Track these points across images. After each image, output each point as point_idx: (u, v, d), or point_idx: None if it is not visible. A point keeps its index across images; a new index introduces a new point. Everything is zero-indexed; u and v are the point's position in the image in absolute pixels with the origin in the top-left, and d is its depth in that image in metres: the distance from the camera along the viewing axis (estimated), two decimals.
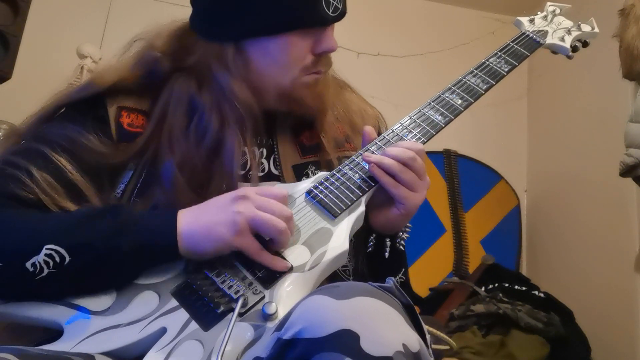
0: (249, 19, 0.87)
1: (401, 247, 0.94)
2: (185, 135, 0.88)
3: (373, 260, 0.93)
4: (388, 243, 0.92)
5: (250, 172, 0.91)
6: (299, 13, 0.87)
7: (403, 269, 0.98)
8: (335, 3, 0.89)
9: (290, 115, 0.97)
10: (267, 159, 0.96)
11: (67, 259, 0.74)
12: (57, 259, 0.73)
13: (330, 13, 0.88)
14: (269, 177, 0.94)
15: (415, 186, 0.85)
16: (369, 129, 0.92)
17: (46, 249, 0.73)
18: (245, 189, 0.80)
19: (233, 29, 0.89)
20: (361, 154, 0.89)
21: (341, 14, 0.91)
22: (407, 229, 0.94)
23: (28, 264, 0.73)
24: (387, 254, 0.92)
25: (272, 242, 0.78)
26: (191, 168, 0.86)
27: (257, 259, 0.77)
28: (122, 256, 0.75)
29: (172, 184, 0.85)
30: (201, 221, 0.77)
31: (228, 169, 0.86)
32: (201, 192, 0.82)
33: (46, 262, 0.73)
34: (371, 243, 0.92)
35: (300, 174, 0.95)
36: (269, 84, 0.92)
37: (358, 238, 0.91)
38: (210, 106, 0.89)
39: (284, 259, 0.78)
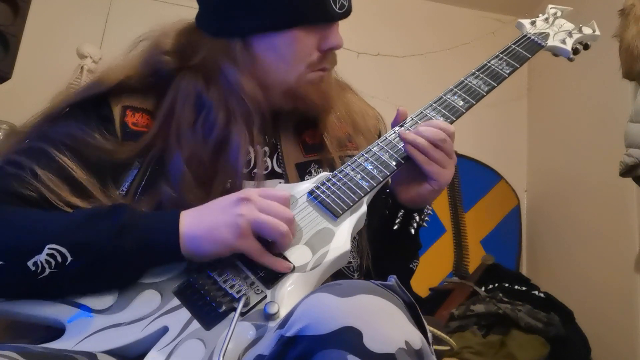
0: (256, 14, 0.88)
1: (424, 224, 0.97)
2: (192, 130, 0.88)
3: (398, 238, 0.95)
4: (417, 218, 0.95)
5: (254, 170, 0.91)
6: (306, 9, 0.88)
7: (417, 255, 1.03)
8: (341, 0, 0.90)
9: (294, 114, 0.97)
10: (271, 157, 0.96)
11: (69, 259, 0.74)
12: (59, 259, 0.74)
13: (337, 10, 0.89)
14: (272, 176, 0.94)
15: (445, 164, 0.89)
16: (402, 110, 0.94)
17: (48, 248, 0.73)
18: (248, 191, 0.79)
19: (240, 25, 0.90)
20: (363, 154, 0.90)
21: (347, 12, 0.92)
22: (426, 217, 0.97)
23: (30, 263, 0.73)
24: (413, 230, 0.95)
25: (274, 245, 0.78)
26: (198, 163, 0.87)
27: (259, 261, 0.77)
28: (124, 256, 0.75)
29: (179, 178, 0.85)
30: (204, 223, 0.77)
31: (233, 165, 0.87)
32: (206, 188, 0.82)
33: (48, 262, 0.73)
34: (399, 219, 0.94)
35: (303, 172, 0.95)
36: (275, 80, 0.92)
37: (380, 221, 0.94)
38: (217, 102, 0.89)
39: (286, 259, 0.78)
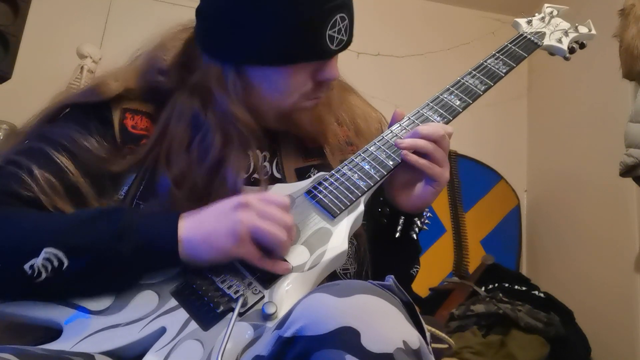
0: (252, 46, 0.86)
1: (425, 227, 0.97)
2: (186, 151, 0.87)
3: (400, 245, 0.94)
4: (417, 222, 0.94)
5: (254, 176, 0.91)
6: (302, 47, 0.86)
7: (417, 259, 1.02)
8: (339, 37, 0.87)
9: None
10: (270, 162, 0.96)
11: (66, 263, 0.73)
12: (56, 264, 0.73)
13: (333, 47, 0.87)
14: (271, 181, 0.93)
15: (444, 162, 0.89)
16: (399, 111, 0.94)
17: (45, 252, 0.73)
18: (248, 196, 0.79)
19: (235, 53, 0.88)
20: (360, 154, 0.90)
21: (345, 46, 0.90)
22: (426, 220, 0.97)
23: (26, 266, 0.73)
24: (415, 235, 0.94)
25: (272, 251, 0.77)
26: (191, 184, 0.86)
27: (258, 266, 0.77)
28: (122, 261, 0.75)
29: (167, 198, 0.85)
30: (202, 229, 0.77)
31: (231, 187, 0.85)
32: (200, 206, 0.82)
33: (44, 266, 0.73)
34: (400, 226, 0.93)
35: (302, 177, 0.95)
36: (268, 107, 0.91)
37: (378, 230, 0.93)
38: (214, 126, 0.88)
39: (285, 260, 0.78)
